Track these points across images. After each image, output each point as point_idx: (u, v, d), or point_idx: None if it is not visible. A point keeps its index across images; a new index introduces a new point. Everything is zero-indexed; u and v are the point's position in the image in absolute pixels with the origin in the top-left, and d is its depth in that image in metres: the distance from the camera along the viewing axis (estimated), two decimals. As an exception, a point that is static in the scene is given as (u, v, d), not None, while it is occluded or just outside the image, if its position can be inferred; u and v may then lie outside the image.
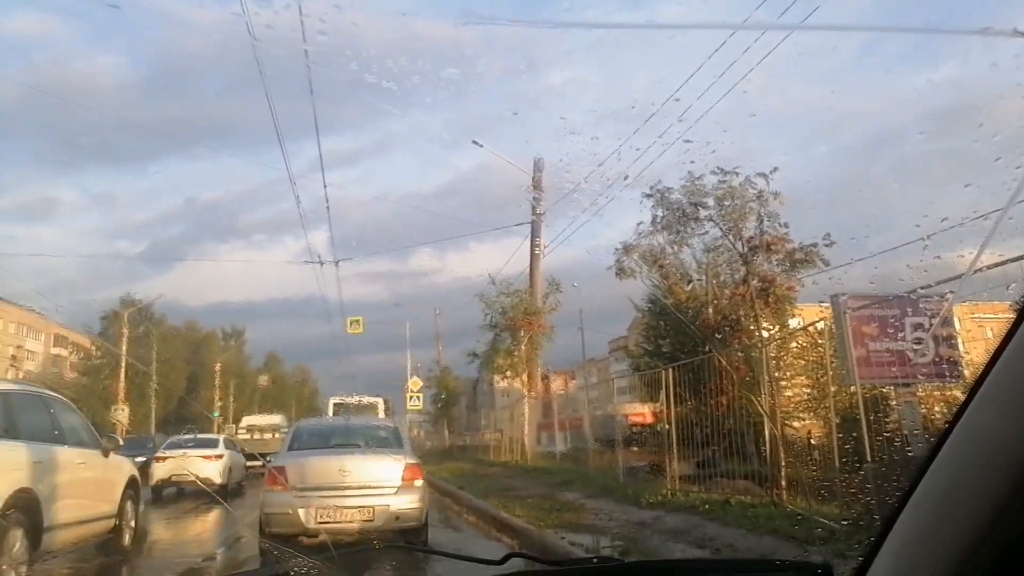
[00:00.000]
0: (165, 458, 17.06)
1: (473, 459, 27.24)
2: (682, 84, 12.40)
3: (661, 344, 18.41)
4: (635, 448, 17.41)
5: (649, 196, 12.12)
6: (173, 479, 16.57)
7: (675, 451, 10.22)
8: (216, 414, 51.38)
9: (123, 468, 8.52)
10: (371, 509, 7.10)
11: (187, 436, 21.47)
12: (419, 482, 7.59)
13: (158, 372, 56.49)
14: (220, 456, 17.43)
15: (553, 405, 26.08)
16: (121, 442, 9.77)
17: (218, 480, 16.66)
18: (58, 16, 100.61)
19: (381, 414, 28.64)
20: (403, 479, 7.41)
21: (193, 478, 16.03)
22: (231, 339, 72.14)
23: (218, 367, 54.49)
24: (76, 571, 7.43)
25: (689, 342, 15.18)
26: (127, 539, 8.27)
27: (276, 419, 31.15)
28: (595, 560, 1.86)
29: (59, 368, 64.07)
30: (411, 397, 33.14)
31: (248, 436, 27.98)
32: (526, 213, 20.60)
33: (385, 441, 8.35)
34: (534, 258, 20.38)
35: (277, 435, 27.31)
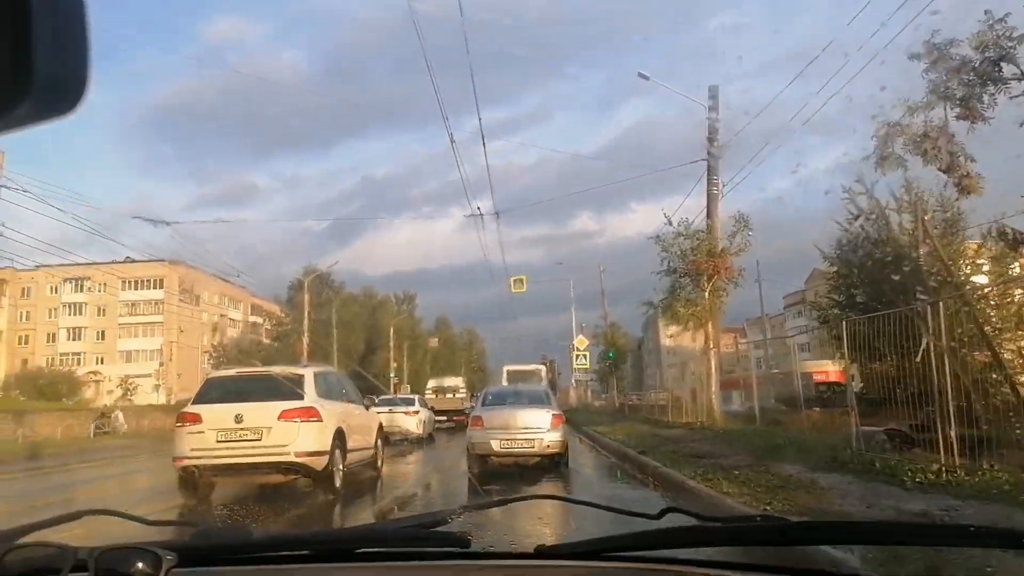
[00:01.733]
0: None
1: (648, 420, 25.60)
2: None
3: (855, 294, 15.83)
4: (819, 408, 16.28)
5: (918, 57, 9.12)
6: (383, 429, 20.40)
7: (950, 415, 7.50)
8: (392, 374, 53.82)
9: (376, 418, 13.07)
10: (532, 441, 11.40)
11: (391, 396, 26.81)
12: (561, 425, 11.83)
13: (339, 336, 60.27)
14: (417, 412, 21.61)
15: (726, 362, 23.91)
16: (377, 400, 17.32)
17: (416, 431, 20.70)
18: (246, 18, 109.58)
19: (543, 378, 32.74)
20: (551, 423, 11.57)
21: (398, 429, 19.59)
22: (404, 304, 75.58)
23: (391, 330, 56.81)
24: (360, 480, 11.31)
25: (889, 291, 12.78)
26: (380, 463, 12.36)
27: (456, 381, 34.93)
28: (758, 518, 1.64)
29: (257, 334, 70.54)
30: (577, 356, 32.16)
31: (434, 396, 31.02)
32: (689, 162, 18.43)
33: (540, 400, 12.60)
34: (711, 198, 18.00)
35: (457, 395, 31.76)
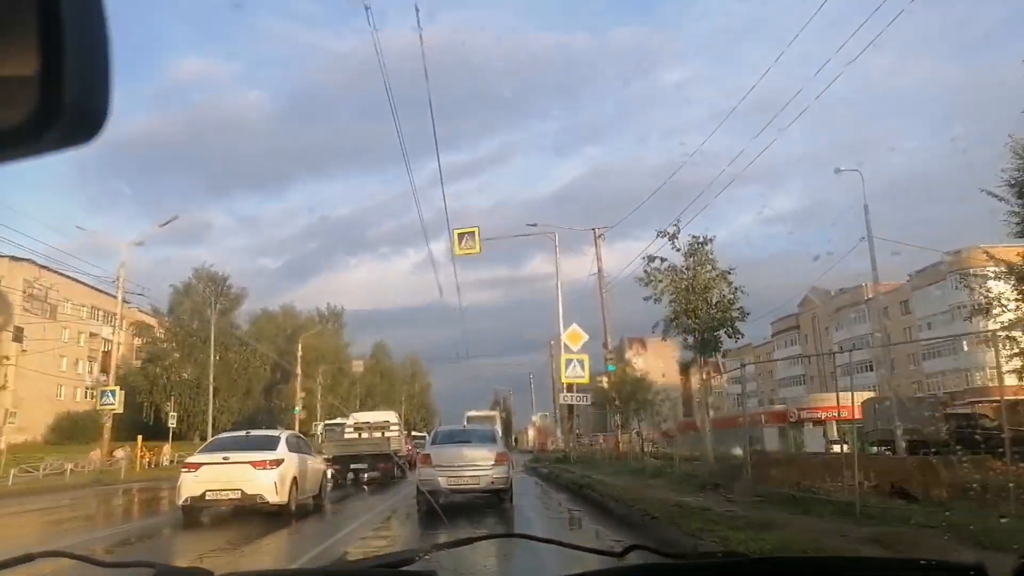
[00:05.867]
0: (198, 466, 12.53)
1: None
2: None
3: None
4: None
5: None
6: (208, 496, 12.14)
7: None
8: (297, 410, 40.02)
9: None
10: (478, 477, 13.05)
11: (236, 434, 15.64)
12: (505, 462, 13.47)
13: (237, 359, 46.36)
14: (278, 462, 12.63)
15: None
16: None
17: (273, 497, 12.18)
18: (213, 60, 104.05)
19: (497, 421, 35.73)
20: (496, 460, 13.26)
21: (237, 495, 12.07)
22: (328, 321, 61.23)
23: (299, 348, 42.85)
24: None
25: None
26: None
27: (387, 415, 27.10)
28: (719, 555, 1.83)
29: (139, 358, 55.94)
30: (568, 362, 18.51)
31: (356, 435, 24.30)
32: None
33: (487, 439, 14.46)
34: None
35: (387, 433, 24.10)
